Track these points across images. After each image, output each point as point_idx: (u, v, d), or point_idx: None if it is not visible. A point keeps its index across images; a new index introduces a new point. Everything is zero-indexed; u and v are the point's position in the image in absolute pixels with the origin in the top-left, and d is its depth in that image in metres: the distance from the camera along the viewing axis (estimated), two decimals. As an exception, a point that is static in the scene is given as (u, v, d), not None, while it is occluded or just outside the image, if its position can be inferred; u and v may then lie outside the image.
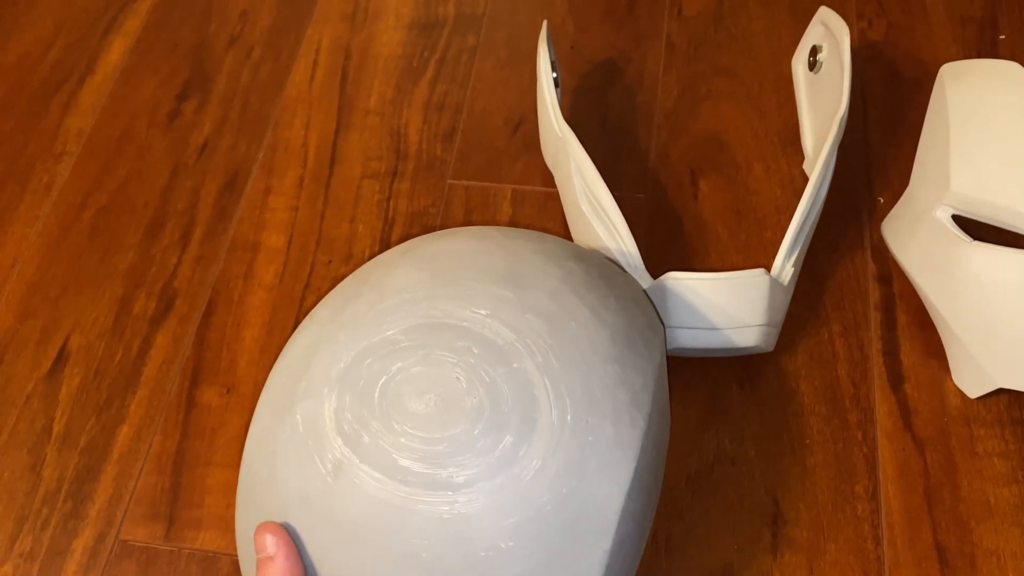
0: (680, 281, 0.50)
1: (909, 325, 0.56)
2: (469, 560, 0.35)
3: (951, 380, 0.53)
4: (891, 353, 0.55)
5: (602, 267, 0.43)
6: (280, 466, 0.38)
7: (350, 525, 0.36)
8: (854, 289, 0.57)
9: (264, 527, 0.38)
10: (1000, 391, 0.52)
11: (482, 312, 0.37)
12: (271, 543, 0.37)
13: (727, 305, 0.50)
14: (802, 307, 0.56)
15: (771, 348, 0.53)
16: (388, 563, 0.35)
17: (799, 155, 0.63)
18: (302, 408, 0.38)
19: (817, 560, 0.48)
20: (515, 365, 0.36)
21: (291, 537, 0.37)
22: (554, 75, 0.59)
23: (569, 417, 0.36)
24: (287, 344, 0.42)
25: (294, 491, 0.37)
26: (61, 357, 0.58)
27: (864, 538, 0.49)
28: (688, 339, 0.51)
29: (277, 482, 0.38)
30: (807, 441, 0.52)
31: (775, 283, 0.50)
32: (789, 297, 0.53)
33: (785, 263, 0.52)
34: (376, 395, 0.37)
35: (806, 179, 0.62)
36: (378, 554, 0.35)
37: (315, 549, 0.37)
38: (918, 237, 0.54)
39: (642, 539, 0.40)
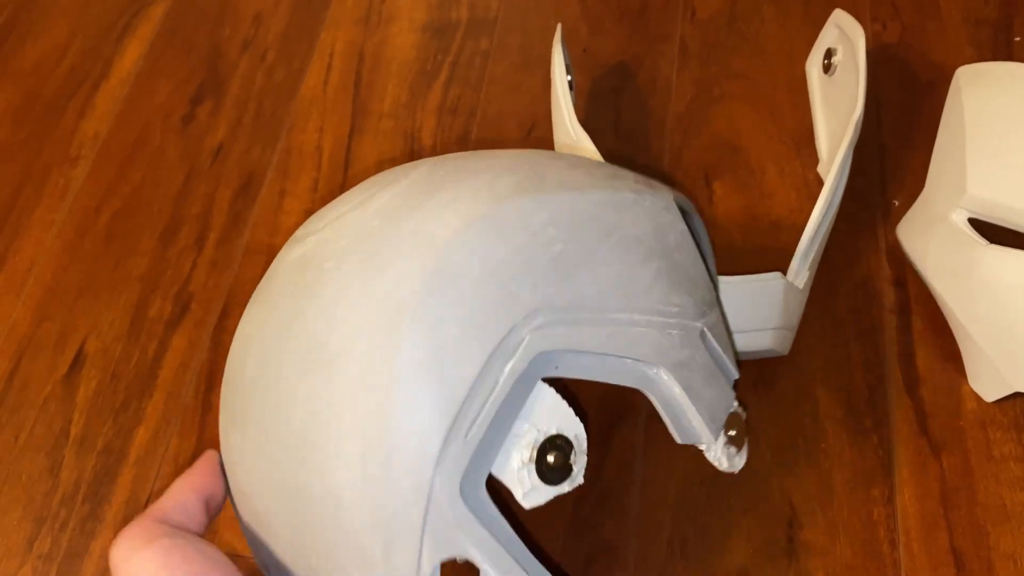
0: (695, 285, 0.50)
1: (925, 329, 0.55)
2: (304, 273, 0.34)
3: (967, 384, 0.53)
4: (907, 357, 0.55)
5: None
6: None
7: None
8: (869, 292, 0.57)
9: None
10: (1016, 395, 0.52)
11: None
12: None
13: (743, 308, 0.50)
14: (817, 310, 0.56)
15: (786, 351, 0.53)
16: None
17: (813, 158, 0.63)
18: None
19: (833, 564, 0.48)
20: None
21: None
22: (568, 78, 0.59)
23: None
24: None
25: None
26: (78, 360, 0.58)
27: (880, 542, 0.49)
28: (703, 343, 0.51)
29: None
30: (822, 445, 0.52)
31: (791, 286, 0.50)
32: (804, 300, 0.53)
33: (801, 266, 0.52)
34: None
35: (820, 182, 0.62)
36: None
37: None
38: (934, 240, 0.53)
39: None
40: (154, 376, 0.57)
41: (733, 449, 0.39)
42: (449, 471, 0.31)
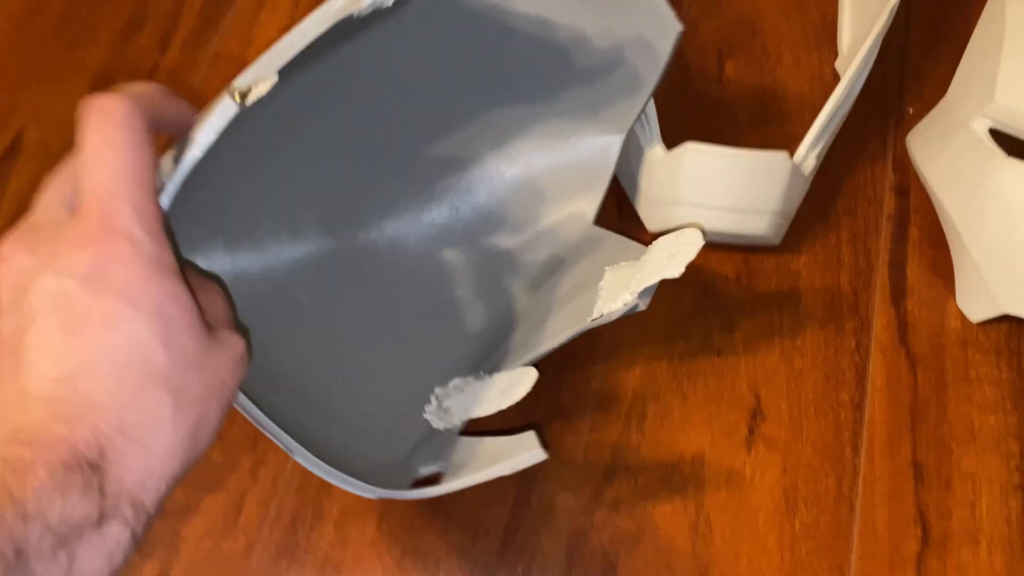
0: (699, 153, 0.46)
1: (920, 241, 0.53)
2: None
3: (954, 302, 0.51)
4: (897, 266, 0.52)
5: None
6: None
7: None
8: (869, 196, 0.54)
9: None
10: (1002, 319, 0.50)
11: None
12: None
13: (744, 185, 0.47)
14: (813, 208, 0.53)
15: (777, 241, 0.50)
16: None
17: (832, 53, 0.59)
18: None
19: (791, 460, 0.47)
20: None
21: None
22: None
23: None
24: None
25: None
26: (14, 149, 0.53)
27: (843, 445, 0.47)
28: (698, 218, 0.48)
29: None
30: (798, 342, 0.50)
31: (796, 169, 0.47)
32: (805, 191, 0.50)
33: (809, 153, 0.49)
34: None
35: (836, 79, 0.58)
36: None
37: None
38: (949, 149, 0.51)
39: None
40: (97, 176, 0.52)
41: None
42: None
